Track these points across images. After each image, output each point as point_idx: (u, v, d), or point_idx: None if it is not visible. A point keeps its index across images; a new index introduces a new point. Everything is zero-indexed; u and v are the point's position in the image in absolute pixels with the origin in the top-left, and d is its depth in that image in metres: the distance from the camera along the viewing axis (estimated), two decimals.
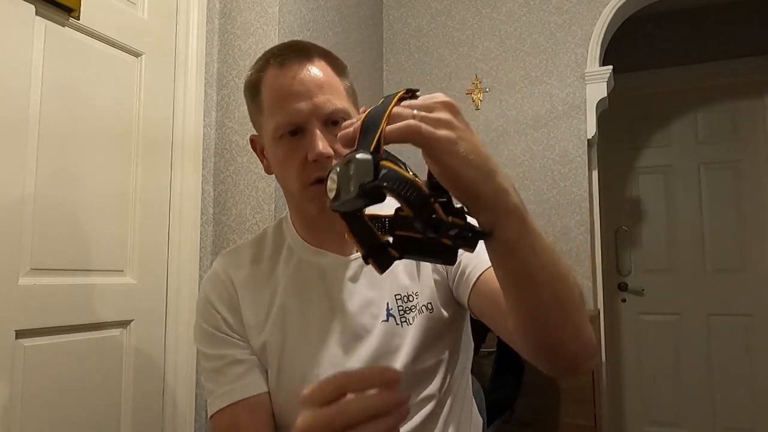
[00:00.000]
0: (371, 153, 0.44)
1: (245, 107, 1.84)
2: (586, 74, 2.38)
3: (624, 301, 3.31)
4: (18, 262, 1.27)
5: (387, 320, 0.79)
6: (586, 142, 2.37)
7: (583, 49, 2.41)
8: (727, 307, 3.10)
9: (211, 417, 0.80)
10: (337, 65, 0.80)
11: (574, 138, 2.38)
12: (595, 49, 2.39)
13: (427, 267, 0.83)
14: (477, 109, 2.55)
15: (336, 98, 0.76)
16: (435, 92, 0.50)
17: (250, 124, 1.92)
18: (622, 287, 3.29)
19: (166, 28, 1.71)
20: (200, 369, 0.85)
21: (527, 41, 2.51)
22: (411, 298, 0.80)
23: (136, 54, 1.60)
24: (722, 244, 3.13)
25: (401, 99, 0.48)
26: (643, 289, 3.26)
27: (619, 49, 2.75)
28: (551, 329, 0.59)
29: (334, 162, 0.52)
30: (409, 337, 0.78)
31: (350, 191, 0.44)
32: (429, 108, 0.48)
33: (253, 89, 0.80)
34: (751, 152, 3.12)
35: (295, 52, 0.77)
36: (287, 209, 0.91)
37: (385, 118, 0.45)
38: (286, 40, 1.85)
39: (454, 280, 0.80)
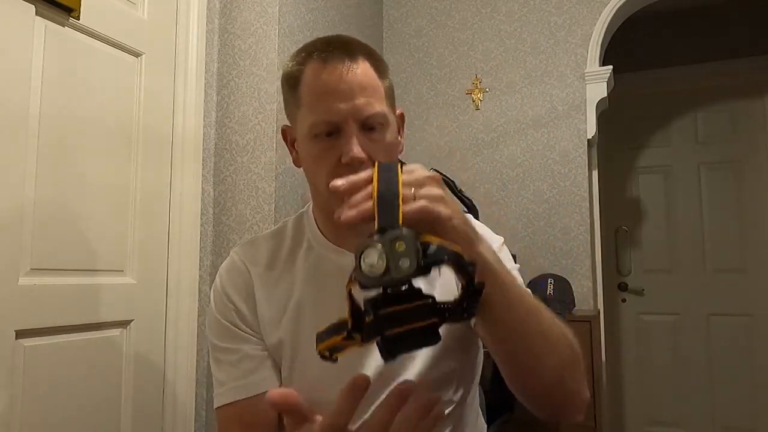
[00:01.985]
0: (408, 229, 0.46)
1: (245, 107, 1.86)
2: (586, 74, 2.38)
3: (624, 301, 3.31)
4: (18, 262, 1.27)
5: None
6: (586, 142, 2.37)
7: (583, 49, 2.41)
8: (727, 307, 3.10)
9: (218, 408, 0.79)
10: (379, 66, 0.78)
11: (574, 138, 2.38)
12: (595, 49, 2.39)
13: (447, 274, 0.82)
14: (477, 109, 2.55)
15: (376, 101, 0.74)
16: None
17: (250, 123, 1.93)
18: (622, 287, 3.29)
19: (166, 28, 1.71)
20: (210, 356, 0.84)
21: (527, 41, 2.51)
22: None
23: (136, 54, 1.60)
24: (722, 244, 3.13)
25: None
26: (643, 289, 3.26)
27: (619, 49, 2.75)
28: (529, 380, 0.66)
29: (375, 237, 0.48)
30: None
31: (403, 269, 0.44)
32: (421, 183, 0.54)
33: (292, 81, 0.78)
34: (751, 152, 3.12)
35: (339, 49, 0.75)
36: (308, 204, 0.90)
37: (401, 197, 0.50)
38: (286, 41, 1.87)
39: None
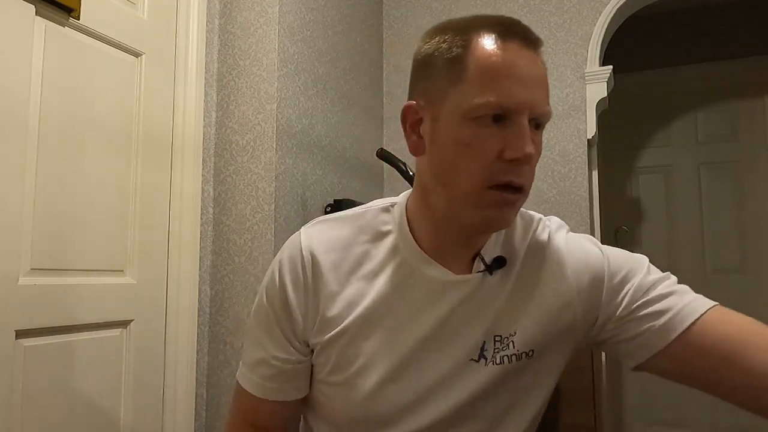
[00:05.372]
0: None
1: (245, 107, 1.85)
2: (586, 74, 2.38)
3: None
4: (18, 262, 1.27)
5: (478, 360, 0.72)
6: (586, 142, 2.37)
7: (583, 49, 2.41)
8: (727, 307, 3.09)
9: (237, 382, 0.80)
10: (544, 61, 0.68)
11: (574, 138, 2.38)
12: (595, 49, 2.39)
13: (539, 307, 0.74)
14: None
15: (547, 99, 0.66)
16: None
17: (250, 123, 1.92)
18: None
19: (166, 28, 1.71)
20: (246, 329, 0.83)
21: None
22: (509, 338, 0.73)
23: (136, 54, 1.60)
24: (722, 244, 3.13)
25: None
26: None
27: (619, 49, 2.75)
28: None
29: None
30: (496, 379, 0.73)
31: None
32: None
33: (453, 50, 0.66)
34: (751, 152, 3.12)
35: (520, 32, 0.65)
36: (403, 195, 0.78)
37: None
38: (286, 41, 1.87)
39: (611, 334, 0.75)
